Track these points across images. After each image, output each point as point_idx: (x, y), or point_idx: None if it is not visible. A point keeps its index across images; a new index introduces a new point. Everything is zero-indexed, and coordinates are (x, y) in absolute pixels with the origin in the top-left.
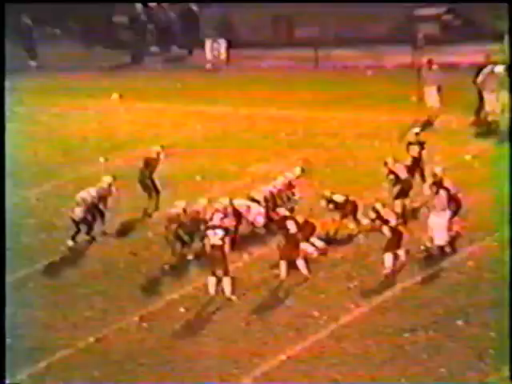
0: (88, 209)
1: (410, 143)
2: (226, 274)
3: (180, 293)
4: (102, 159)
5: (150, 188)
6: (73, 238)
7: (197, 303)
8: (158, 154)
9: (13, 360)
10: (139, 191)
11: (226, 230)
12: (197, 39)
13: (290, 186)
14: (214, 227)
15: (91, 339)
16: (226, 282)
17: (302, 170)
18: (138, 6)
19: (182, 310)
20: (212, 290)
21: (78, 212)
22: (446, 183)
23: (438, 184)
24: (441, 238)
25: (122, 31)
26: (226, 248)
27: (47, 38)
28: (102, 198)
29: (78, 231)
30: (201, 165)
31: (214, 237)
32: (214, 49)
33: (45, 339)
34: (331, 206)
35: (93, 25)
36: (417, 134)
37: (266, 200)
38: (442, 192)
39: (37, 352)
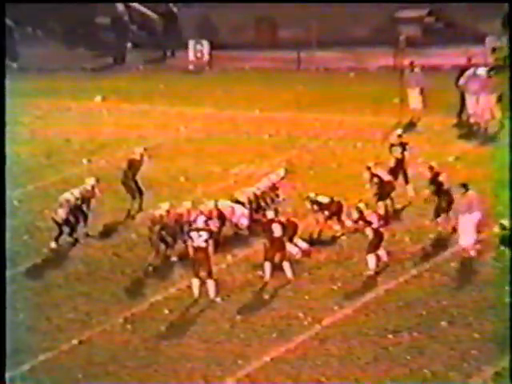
0: (71, 210)
1: (392, 145)
2: (209, 276)
3: (164, 294)
4: (84, 161)
5: (134, 189)
6: (56, 240)
7: (181, 305)
8: (141, 155)
9: None
10: (122, 193)
11: (210, 233)
12: (179, 40)
13: (273, 187)
14: (198, 229)
15: (75, 341)
16: (210, 284)
17: (286, 172)
18: (120, 6)
19: (165, 311)
20: (196, 291)
21: (61, 213)
22: (442, 177)
23: (436, 181)
24: (466, 239)
25: (104, 32)
26: (210, 250)
27: (28, 39)
28: (86, 199)
29: (61, 233)
30: (184, 166)
31: (199, 239)
32: (197, 50)
33: (28, 342)
34: (316, 207)
35: (75, 26)
36: (399, 135)
37: (249, 201)
38: (471, 193)
39: (20, 354)
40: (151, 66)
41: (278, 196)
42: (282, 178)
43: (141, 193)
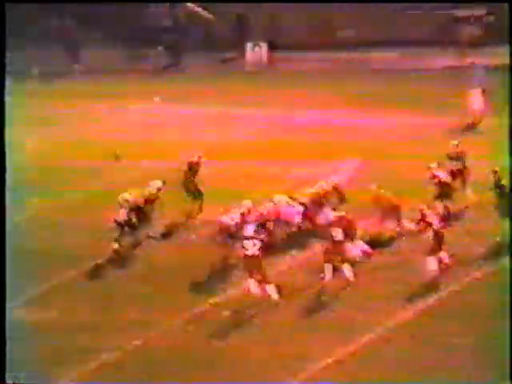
0: (131, 211)
1: (450, 157)
2: (265, 281)
3: (224, 295)
4: (145, 162)
5: (194, 191)
6: (117, 241)
7: (241, 306)
8: (201, 157)
9: (61, 361)
10: (183, 194)
11: (262, 241)
12: (239, 42)
13: (334, 189)
14: (250, 238)
15: (138, 342)
16: (271, 288)
17: (345, 174)
18: (181, 9)
19: (226, 312)
20: (255, 290)
21: (122, 214)
22: (504, 181)
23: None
24: None
25: (164, 34)
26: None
27: (91, 42)
28: (149, 201)
29: (123, 234)
30: (244, 168)
31: (253, 248)
32: (255, 52)
33: (92, 341)
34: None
35: (136, 28)
36: (456, 145)
37: (311, 202)
38: None
39: (84, 354)
40: (211, 67)
41: (341, 197)
42: (342, 180)
43: (200, 194)
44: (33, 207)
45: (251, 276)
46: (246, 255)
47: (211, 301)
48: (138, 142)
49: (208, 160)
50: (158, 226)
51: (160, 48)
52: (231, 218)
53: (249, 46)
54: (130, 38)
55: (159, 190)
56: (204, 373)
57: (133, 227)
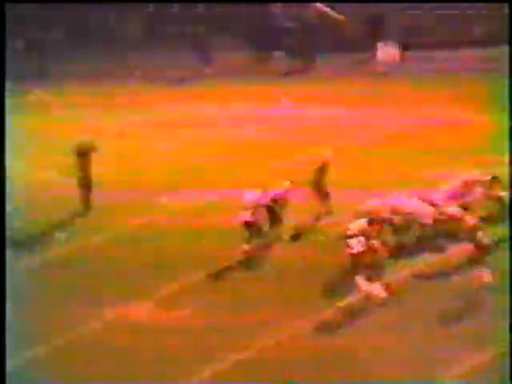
0: (257, 212)
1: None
2: (375, 279)
3: (353, 298)
4: (272, 163)
5: (323, 192)
6: (248, 242)
7: (370, 308)
8: (330, 157)
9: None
10: (312, 195)
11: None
12: (371, 42)
13: (467, 189)
14: (354, 236)
15: (270, 342)
16: (377, 287)
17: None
18: (310, 11)
19: (353, 315)
20: (365, 286)
21: (245, 215)
22: None
23: None
24: None
25: (293, 36)
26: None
27: (221, 46)
28: (278, 201)
29: (252, 235)
30: (374, 169)
31: (357, 245)
32: (387, 51)
33: (224, 340)
34: None
35: (264, 31)
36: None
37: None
38: None
39: (219, 353)
40: (341, 68)
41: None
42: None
43: (328, 195)
44: (161, 207)
45: (360, 273)
46: (351, 253)
47: (340, 303)
48: (265, 142)
49: (335, 161)
50: (286, 227)
51: (285, 50)
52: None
53: (380, 45)
54: (257, 40)
55: (287, 190)
56: (337, 376)
57: (260, 228)
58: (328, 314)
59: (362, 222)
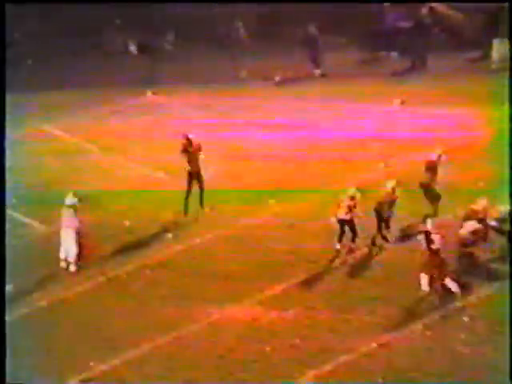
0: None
1: None
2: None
3: (464, 301)
4: (381, 164)
5: (432, 193)
6: (339, 241)
7: (482, 311)
8: (439, 156)
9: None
10: (420, 196)
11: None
12: (486, 39)
13: None
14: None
15: (374, 344)
16: (450, 283)
17: None
18: (424, 9)
19: (465, 318)
20: (425, 287)
21: (342, 213)
22: None
23: None
24: None
25: (405, 36)
26: None
27: (331, 46)
28: (384, 202)
29: (343, 233)
30: (482, 171)
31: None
32: (501, 49)
33: (328, 342)
34: None
35: (376, 31)
36: None
37: None
38: None
39: (322, 354)
40: (452, 68)
41: None
42: None
43: (438, 198)
44: (268, 208)
45: (426, 272)
46: (430, 249)
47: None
48: (374, 144)
49: (446, 161)
50: (393, 227)
51: (398, 50)
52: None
53: (495, 42)
54: (369, 41)
55: (394, 190)
56: (441, 379)
57: (354, 227)
58: (439, 316)
59: (473, 223)
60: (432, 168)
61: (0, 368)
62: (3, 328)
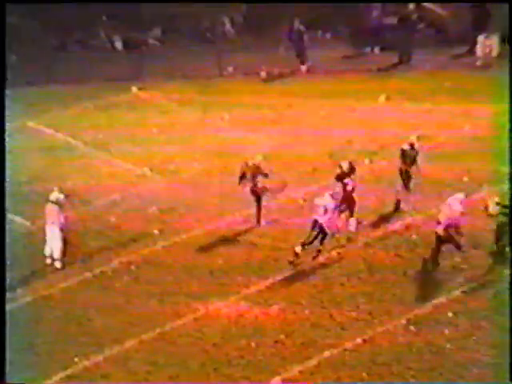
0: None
1: None
2: None
3: (448, 297)
4: (366, 161)
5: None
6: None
7: (464, 308)
8: (412, 144)
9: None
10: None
11: None
12: (471, 36)
13: None
14: None
15: (358, 340)
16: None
17: None
18: (410, 5)
19: (449, 314)
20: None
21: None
22: None
23: None
24: None
25: (390, 32)
26: None
27: (318, 43)
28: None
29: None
30: (468, 166)
31: None
32: (486, 45)
33: (313, 337)
34: None
35: (361, 27)
36: None
37: None
38: None
39: (307, 350)
40: (437, 64)
41: None
42: None
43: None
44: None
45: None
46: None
47: (435, 301)
48: (359, 141)
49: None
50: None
51: (380, 46)
52: None
53: (480, 38)
54: (355, 37)
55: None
56: (427, 374)
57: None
58: (422, 312)
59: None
60: (406, 155)
61: (0, 366)
62: (3, 326)
